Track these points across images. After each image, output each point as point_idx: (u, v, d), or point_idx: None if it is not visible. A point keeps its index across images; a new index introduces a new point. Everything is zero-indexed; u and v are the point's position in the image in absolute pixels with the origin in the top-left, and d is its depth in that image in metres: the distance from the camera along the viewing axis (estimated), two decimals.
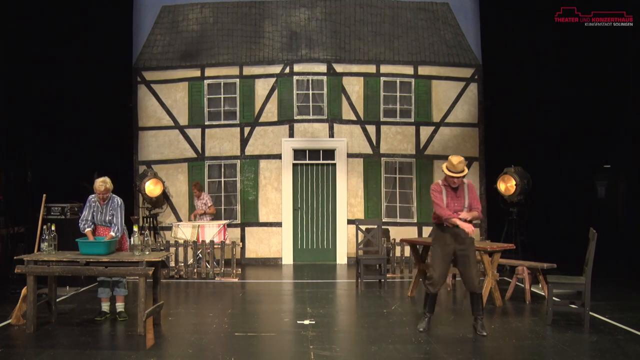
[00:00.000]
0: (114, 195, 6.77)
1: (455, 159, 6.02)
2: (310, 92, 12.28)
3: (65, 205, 9.44)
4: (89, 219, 6.71)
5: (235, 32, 12.38)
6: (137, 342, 5.77)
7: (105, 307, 6.79)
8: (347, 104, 12.23)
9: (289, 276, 10.55)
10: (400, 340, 5.86)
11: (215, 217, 12.09)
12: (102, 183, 6.59)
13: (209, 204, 11.33)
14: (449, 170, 6.05)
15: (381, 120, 12.29)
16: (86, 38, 12.10)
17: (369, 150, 12.24)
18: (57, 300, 6.96)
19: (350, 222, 11.93)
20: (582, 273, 6.49)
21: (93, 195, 6.76)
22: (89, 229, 6.67)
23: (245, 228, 12.15)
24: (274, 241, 12.12)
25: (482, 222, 11.90)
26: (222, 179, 12.32)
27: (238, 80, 12.32)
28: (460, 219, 5.98)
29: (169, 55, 12.39)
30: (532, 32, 12.96)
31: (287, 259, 12.02)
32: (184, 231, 10.53)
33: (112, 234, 6.59)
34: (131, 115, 12.37)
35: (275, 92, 12.23)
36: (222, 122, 12.31)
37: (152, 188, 11.49)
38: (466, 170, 6.07)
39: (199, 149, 12.29)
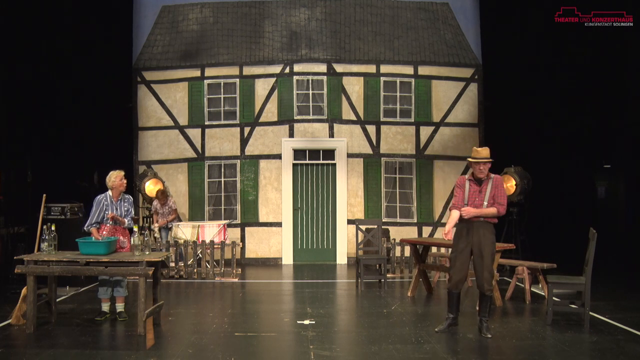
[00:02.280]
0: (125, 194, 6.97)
1: (481, 148, 6.07)
2: (310, 92, 12.28)
3: (65, 205, 9.44)
4: (98, 220, 6.75)
5: (235, 32, 12.38)
6: (137, 342, 5.77)
7: (105, 307, 6.78)
8: (347, 104, 12.23)
9: (289, 276, 10.54)
10: (400, 340, 5.85)
11: (215, 217, 12.11)
12: (120, 175, 6.81)
13: (174, 207, 10.90)
14: (474, 158, 6.00)
15: (381, 120, 12.29)
16: (86, 38, 12.11)
17: (369, 150, 12.24)
18: (57, 300, 6.96)
19: (350, 222, 11.93)
20: (582, 273, 6.49)
21: (102, 195, 6.79)
22: (94, 228, 6.71)
23: (245, 228, 12.14)
24: (274, 241, 12.11)
25: None
26: (222, 179, 12.31)
27: (238, 80, 12.32)
28: (462, 214, 5.93)
29: (169, 55, 12.39)
30: (532, 32, 12.97)
31: (287, 259, 12.02)
32: (184, 231, 10.53)
33: (126, 220, 6.81)
34: (131, 115, 12.36)
35: (275, 92, 12.23)
36: (222, 122, 12.31)
37: (152, 188, 11.47)
38: (491, 160, 6.01)
39: (199, 149, 12.29)
